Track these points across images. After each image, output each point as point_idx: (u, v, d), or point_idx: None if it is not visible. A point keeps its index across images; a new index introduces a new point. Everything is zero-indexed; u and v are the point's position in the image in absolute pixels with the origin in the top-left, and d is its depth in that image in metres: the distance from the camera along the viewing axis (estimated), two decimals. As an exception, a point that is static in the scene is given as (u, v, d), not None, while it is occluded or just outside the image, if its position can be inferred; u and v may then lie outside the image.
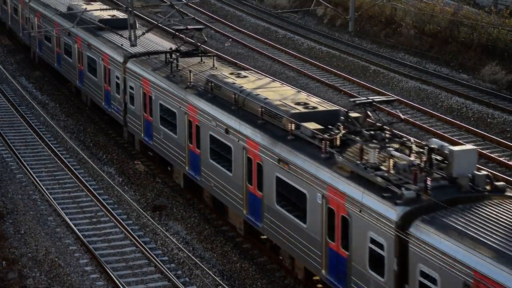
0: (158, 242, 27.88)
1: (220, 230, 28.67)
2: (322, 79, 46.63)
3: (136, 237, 27.96)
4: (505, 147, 35.58)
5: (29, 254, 27.27)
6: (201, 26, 40.25)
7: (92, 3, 50.73)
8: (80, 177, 33.40)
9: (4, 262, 26.39)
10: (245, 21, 63.17)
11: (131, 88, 34.81)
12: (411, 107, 41.46)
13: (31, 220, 29.92)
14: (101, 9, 44.02)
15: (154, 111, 32.46)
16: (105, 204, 30.75)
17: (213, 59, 33.49)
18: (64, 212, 30.07)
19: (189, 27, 37.81)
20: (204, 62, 33.35)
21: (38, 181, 32.95)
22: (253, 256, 26.75)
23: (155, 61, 34.29)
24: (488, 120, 39.46)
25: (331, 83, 45.88)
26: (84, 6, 45.03)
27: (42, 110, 41.69)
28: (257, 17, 64.73)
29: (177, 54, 33.26)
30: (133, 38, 35.74)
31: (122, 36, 37.44)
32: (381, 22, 56.90)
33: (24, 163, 35.12)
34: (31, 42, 52.76)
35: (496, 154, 34.37)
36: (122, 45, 37.33)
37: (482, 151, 34.24)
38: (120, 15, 43.38)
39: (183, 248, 26.96)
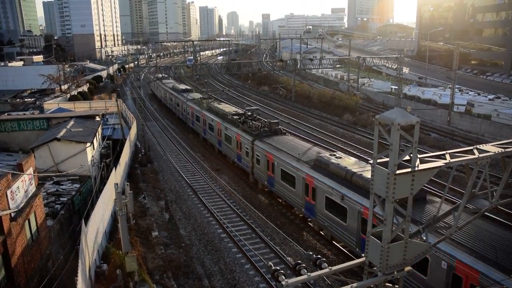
0: (217, 183, 27.19)
1: (242, 179, 27.68)
2: (282, 119, 45.42)
3: (209, 181, 27.44)
4: (352, 146, 34.45)
5: (168, 187, 26.91)
6: (257, 108, 30.76)
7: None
8: (186, 157, 32.65)
9: (159, 190, 26.21)
10: (251, 96, 62.75)
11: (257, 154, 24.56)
12: (317, 131, 40.36)
13: (169, 174, 29.50)
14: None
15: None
16: (196, 168, 30.17)
17: (259, 119, 26.69)
18: (181, 171, 29.53)
19: (251, 108, 30.83)
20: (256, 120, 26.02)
21: (171, 159, 32.36)
22: (256, 190, 26.07)
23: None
24: (346, 136, 38.45)
25: (285, 120, 45.21)
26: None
27: (172, 132, 41.24)
28: (255, 95, 63.90)
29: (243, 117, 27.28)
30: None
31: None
32: (304, 96, 56.43)
33: (166, 152, 34.51)
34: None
35: (349, 148, 33.43)
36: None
37: (343, 148, 33.56)
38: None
39: (227, 186, 26.42)
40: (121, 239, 15.51)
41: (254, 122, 27.12)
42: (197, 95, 42.59)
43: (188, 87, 46.85)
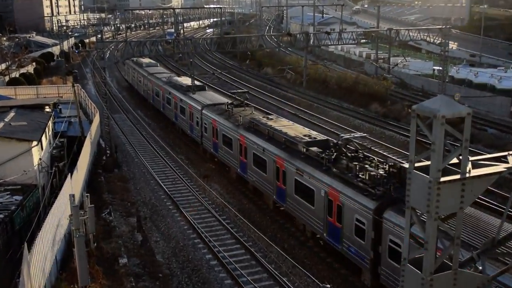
0: (206, 193, 27.48)
1: (237, 188, 28.15)
2: (289, 110, 46.10)
3: (195, 191, 27.70)
4: (381, 145, 34.98)
5: (141, 200, 27.18)
6: (245, 90, 35.14)
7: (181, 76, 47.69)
8: (166, 161, 33.12)
9: (129, 203, 26.41)
10: (251, 81, 63.06)
11: (205, 123, 32.06)
12: (335, 125, 40.89)
13: (142, 182, 29.81)
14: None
15: (219, 137, 29.91)
16: (179, 175, 30.51)
17: (252, 109, 30.53)
18: (158, 178, 29.80)
19: (237, 91, 34.68)
20: (246, 110, 30.15)
21: (145, 162, 32.65)
22: (254, 201, 26.38)
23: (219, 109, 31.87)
24: (373, 132, 38.86)
25: (293, 112, 45.50)
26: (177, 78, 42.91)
27: (148, 127, 41.68)
28: (256, 79, 64.33)
29: (232, 105, 30.90)
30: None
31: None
32: (319, 81, 56.74)
33: (139, 153, 34.88)
34: (147, 96, 48.23)
35: (378, 149, 33.77)
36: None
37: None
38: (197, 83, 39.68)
39: (218, 197, 26.62)
40: (78, 269, 15.43)
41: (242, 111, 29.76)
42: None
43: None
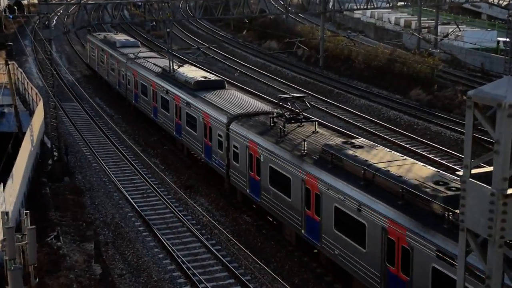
0: (189, 210, 27.57)
1: (231, 203, 28.22)
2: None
3: (174, 207, 27.73)
4: (426, 145, 35.32)
5: (101, 218, 27.21)
6: (303, 94, 31.08)
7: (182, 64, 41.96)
8: (135, 166, 33.19)
9: (84, 224, 26.41)
10: (248, 59, 63.10)
11: (236, 147, 27.33)
12: (362, 117, 41.18)
13: (102, 195, 29.83)
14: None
15: (263, 173, 24.89)
16: (152, 184, 30.50)
17: (315, 125, 25.32)
18: (125, 190, 29.83)
19: (293, 95, 30.02)
20: (304, 126, 25.45)
21: (107, 168, 32.63)
22: (254, 220, 26.43)
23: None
24: (415, 126, 39.29)
25: (309, 101, 45.28)
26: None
27: (110, 120, 41.63)
28: (256, 56, 64.45)
29: (283, 118, 25.98)
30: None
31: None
32: (341, 60, 56.73)
33: (98, 156, 34.84)
34: (127, 94, 44.63)
35: (420, 150, 34.11)
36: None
37: (411, 148, 34.31)
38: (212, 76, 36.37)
39: (205, 215, 26.63)
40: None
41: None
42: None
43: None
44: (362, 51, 56.07)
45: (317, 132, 24.63)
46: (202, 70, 40.36)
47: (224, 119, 28.17)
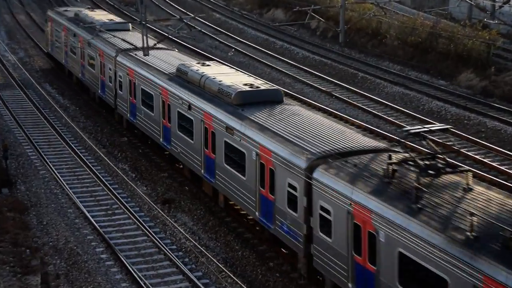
0: (168, 232, 27.48)
1: (223, 221, 28.21)
2: (315, 85, 46.29)
3: (148, 228, 27.54)
4: (481, 146, 35.13)
5: (51, 243, 26.93)
6: (445, 126, 22.83)
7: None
8: (97, 173, 33.00)
9: (28, 250, 26.13)
10: (246, 33, 63.10)
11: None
12: (395, 110, 41.17)
13: (53, 212, 29.59)
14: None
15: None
16: (120, 198, 30.31)
17: (469, 177, 18.08)
18: (83, 205, 29.66)
19: (431, 128, 21.26)
20: (447, 176, 18.74)
21: (59, 177, 32.53)
22: (254, 245, 26.29)
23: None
24: (465, 121, 39.26)
25: (323, 88, 45.47)
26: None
27: (64, 113, 41.39)
28: (257, 29, 64.50)
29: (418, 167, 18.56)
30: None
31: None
32: (368, 34, 56.85)
33: (47, 160, 34.69)
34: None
35: (472, 153, 33.92)
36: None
37: (460, 150, 34.01)
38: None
39: (190, 238, 26.56)
40: None
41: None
42: None
43: None
44: (395, 23, 56.08)
45: (471, 187, 18.06)
46: (228, 68, 35.39)
47: (301, 162, 22.22)
